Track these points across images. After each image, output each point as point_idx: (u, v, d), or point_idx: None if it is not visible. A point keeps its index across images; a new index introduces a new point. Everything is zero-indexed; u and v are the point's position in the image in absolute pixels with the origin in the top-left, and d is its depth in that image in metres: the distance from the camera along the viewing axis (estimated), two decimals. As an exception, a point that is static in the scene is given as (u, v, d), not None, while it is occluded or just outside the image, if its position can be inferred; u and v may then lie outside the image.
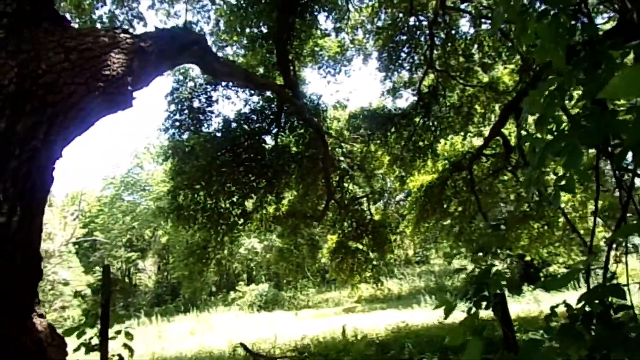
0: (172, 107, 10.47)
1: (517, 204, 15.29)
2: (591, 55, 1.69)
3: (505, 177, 13.86)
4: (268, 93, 10.80)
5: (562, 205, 12.94)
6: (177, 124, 10.57)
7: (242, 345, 10.49)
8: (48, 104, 1.63)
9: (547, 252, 16.01)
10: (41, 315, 1.65)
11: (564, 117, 1.95)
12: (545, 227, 14.20)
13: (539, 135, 1.96)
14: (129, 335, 2.87)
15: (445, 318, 1.71)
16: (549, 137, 1.97)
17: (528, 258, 17.26)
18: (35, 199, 1.68)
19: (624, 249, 1.76)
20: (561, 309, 1.54)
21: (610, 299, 1.43)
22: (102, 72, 1.88)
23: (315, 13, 9.45)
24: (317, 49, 11.58)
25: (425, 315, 15.74)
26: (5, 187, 1.42)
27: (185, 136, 10.89)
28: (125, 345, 2.88)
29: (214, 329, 19.45)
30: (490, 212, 15.11)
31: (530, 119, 2.24)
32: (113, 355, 2.81)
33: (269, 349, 11.66)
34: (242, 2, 8.58)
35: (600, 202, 13.86)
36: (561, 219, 12.71)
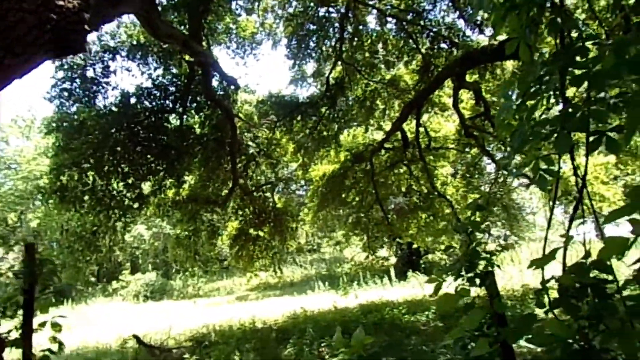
0: (61, 73, 9.20)
1: (408, 196, 16.43)
2: (566, 50, 1.80)
3: (401, 170, 14.75)
4: (174, 69, 10.07)
5: (448, 196, 14.22)
6: (66, 93, 9.33)
7: (135, 336, 9.73)
8: (-12, 34, 1.25)
9: (431, 241, 17.52)
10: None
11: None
12: (432, 218, 15.44)
13: (512, 122, 2.04)
14: (56, 326, 2.43)
15: (435, 294, 1.71)
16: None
17: (415, 246, 18.71)
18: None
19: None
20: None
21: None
22: (55, 1, 1.50)
23: (236, -12, 9.00)
24: (233, 26, 11.05)
25: (320, 300, 16.16)
26: None
27: (74, 108, 9.66)
28: (54, 339, 2.43)
29: (96, 322, 17.80)
30: (384, 202, 15.93)
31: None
32: (42, 351, 2.35)
33: (163, 339, 10.99)
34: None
35: (475, 196, 15.48)
36: (447, 210, 13.93)
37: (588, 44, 1.82)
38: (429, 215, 15.18)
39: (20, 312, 2.32)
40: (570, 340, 1.43)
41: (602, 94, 1.68)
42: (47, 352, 2.40)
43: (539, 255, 1.74)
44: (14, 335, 2.31)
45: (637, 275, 1.52)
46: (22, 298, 2.34)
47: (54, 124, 9.76)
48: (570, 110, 1.65)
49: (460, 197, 15.25)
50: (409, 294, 15.67)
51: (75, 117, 9.65)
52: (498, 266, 1.75)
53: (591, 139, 1.58)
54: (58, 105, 9.46)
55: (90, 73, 9.38)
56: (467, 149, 15.39)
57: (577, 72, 1.70)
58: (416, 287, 17.40)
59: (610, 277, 1.51)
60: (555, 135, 1.65)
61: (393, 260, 24.61)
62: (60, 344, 2.51)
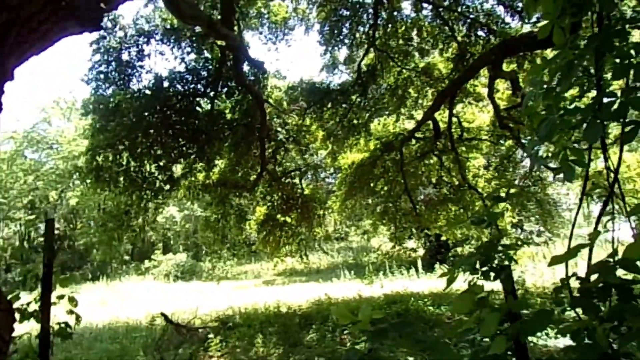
0: (97, 57, 9.45)
1: (438, 187, 16.15)
2: (606, 33, 1.67)
3: (431, 161, 14.48)
4: (206, 53, 10.16)
5: (480, 189, 13.89)
6: (102, 76, 9.59)
7: (163, 315, 10.04)
8: (2, 7, 1.26)
9: (461, 234, 17.21)
10: (-13, 273, 1.32)
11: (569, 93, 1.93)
12: (462, 210, 15.11)
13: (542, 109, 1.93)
14: (73, 300, 2.52)
15: (446, 288, 1.66)
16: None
17: (444, 238, 18.43)
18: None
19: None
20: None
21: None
22: (70, -22, 1.51)
23: (268, -28, 8.95)
24: (264, 11, 11.04)
25: (345, 288, 16.21)
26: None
27: (109, 91, 9.92)
28: (71, 312, 2.53)
29: (128, 298, 18.50)
30: (413, 193, 15.72)
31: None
32: (58, 324, 2.45)
33: (190, 319, 11.30)
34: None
35: (512, 190, 15.04)
36: (478, 203, 13.60)
37: (629, 27, 1.69)
38: (459, 207, 14.86)
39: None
40: (591, 342, 1.35)
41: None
42: (63, 325, 2.49)
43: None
44: (33, 307, 2.40)
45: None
46: (39, 271, 2.43)
47: (90, 106, 10.06)
48: (605, 98, 1.53)
49: (493, 190, 14.85)
50: (435, 286, 15.49)
51: (111, 99, 9.90)
52: (515, 261, 1.67)
53: (627, 129, 1.46)
54: (94, 87, 9.75)
55: (125, 56, 9.60)
56: (501, 141, 14.93)
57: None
58: (443, 279, 17.15)
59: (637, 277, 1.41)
60: (586, 124, 1.54)
61: (421, 251, 24.34)
62: (77, 317, 2.60)
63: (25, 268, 2.46)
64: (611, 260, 1.44)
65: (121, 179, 10.47)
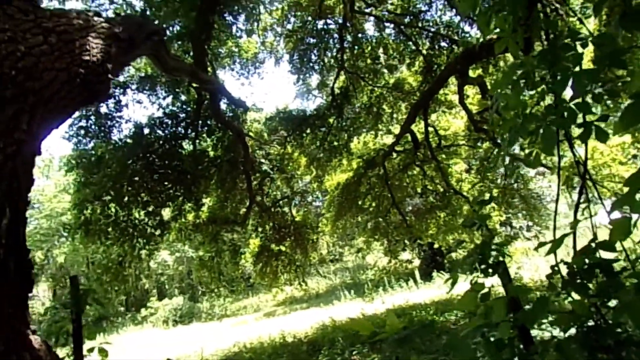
0: (76, 113, 9.53)
1: (424, 196, 16.41)
2: (552, 48, 1.90)
3: (414, 171, 14.78)
4: (183, 96, 10.36)
5: (465, 192, 14.20)
6: (82, 131, 9.66)
7: (169, 361, 9.88)
8: (29, 91, 1.41)
9: (452, 239, 17.44)
10: (34, 332, 1.42)
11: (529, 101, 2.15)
12: (451, 216, 15.36)
13: (507, 118, 2.14)
14: (103, 352, 2.58)
15: (451, 290, 1.81)
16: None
17: (437, 245, 18.62)
18: (22, 199, 1.44)
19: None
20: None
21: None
22: (81, 57, 1.66)
23: (235, 13, 9.25)
24: (235, 49, 11.33)
25: (347, 309, 16.17)
26: (-8, 185, 1.21)
27: (91, 144, 10.00)
28: None
29: (129, 350, 18.07)
30: (401, 205, 15.93)
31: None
32: None
33: (196, 362, 11.17)
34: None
35: (496, 190, 15.40)
36: (465, 207, 13.88)
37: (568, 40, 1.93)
38: (448, 213, 15.10)
39: (70, 339, 2.49)
40: (584, 317, 1.52)
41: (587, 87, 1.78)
42: (97, 377, 2.56)
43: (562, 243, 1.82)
44: None
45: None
46: (70, 327, 2.50)
47: (73, 161, 10.09)
48: (556, 105, 1.75)
49: (477, 193, 15.17)
50: (435, 294, 15.59)
51: (93, 152, 9.97)
52: (510, 256, 1.84)
53: (580, 130, 1.67)
54: (76, 142, 9.80)
55: (103, 109, 9.71)
56: (478, 144, 15.35)
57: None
58: (442, 287, 17.26)
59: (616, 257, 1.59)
60: (542, 130, 1.75)
61: (417, 262, 24.48)
62: (110, 367, 2.67)
63: (58, 325, 2.53)
64: (592, 244, 1.62)
65: (110, 229, 10.43)
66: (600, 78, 1.65)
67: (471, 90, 13.53)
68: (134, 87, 10.05)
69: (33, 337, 1.40)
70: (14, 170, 1.36)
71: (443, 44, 11.83)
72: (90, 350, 2.58)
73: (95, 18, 1.91)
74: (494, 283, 1.83)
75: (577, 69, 1.76)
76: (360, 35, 13.07)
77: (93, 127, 9.74)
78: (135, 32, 2.21)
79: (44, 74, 1.49)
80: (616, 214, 1.59)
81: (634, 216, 1.57)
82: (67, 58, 1.61)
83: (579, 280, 1.56)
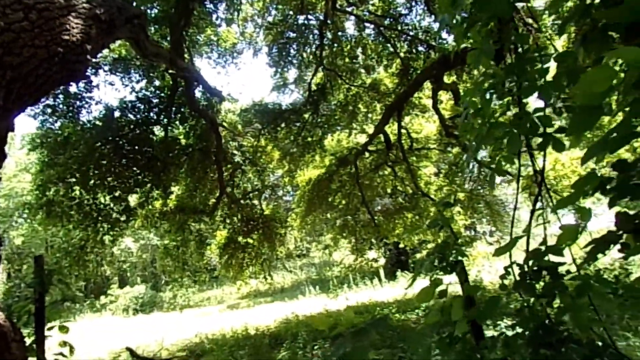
0: (45, 90, 9.21)
1: (393, 197, 16.68)
2: (519, 61, 2.02)
3: (386, 172, 15.01)
4: (157, 81, 10.16)
5: (432, 195, 14.52)
6: (50, 110, 9.35)
7: (128, 349, 9.74)
8: (6, 66, 1.39)
9: (418, 240, 17.80)
10: (0, 308, 1.41)
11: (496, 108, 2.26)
12: (417, 217, 15.68)
13: (475, 125, 2.25)
14: (64, 328, 2.55)
15: (409, 286, 1.90)
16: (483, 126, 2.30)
17: (402, 245, 18.98)
18: (-8, 175, 1.43)
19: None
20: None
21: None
22: (61, 36, 1.65)
23: (215, 1, 9.14)
24: (214, 38, 11.19)
25: (311, 304, 16.29)
26: (-37, 160, 1.20)
27: (58, 124, 9.68)
28: (65, 343, 2.55)
29: (86, 337, 17.62)
30: (370, 204, 16.14)
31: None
32: (55, 355, 2.46)
33: (156, 351, 11.01)
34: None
35: (462, 194, 15.80)
36: (432, 209, 14.20)
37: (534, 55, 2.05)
38: (415, 215, 15.42)
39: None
40: (531, 316, 1.63)
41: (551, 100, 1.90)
42: (59, 357, 2.52)
43: (523, 247, 1.95)
44: (27, 342, 2.41)
45: (588, 257, 1.73)
46: (32, 307, 2.46)
47: (37, 140, 9.77)
48: (521, 116, 1.86)
49: (444, 196, 15.54)
50: (398, 293, 15.90)
51: (60, 132, 9.68)
52: (467, 256, 1.95)
53: (540, 140, 1.79)
54: (42, 121, 9.48)
55: (73, 88, 9.41)
56: (448, 148, 15.72)
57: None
58: (405, 286, 17.59)
59: (562, 260, 1.72)
60: (508, 137, 1.87)
61: (382, 261, 24.85)
62: (71, 347, 2.63)
63: (19, 305, 2.48)
64: (542, 248, 1.75)
65: (74, 212, 10.17)
66: (563, 90, 1.77)
67: (444, 96, 13.85)
68: (106, 68, 9.80)
69: (-2, 314, 1.40)
70: (-13, 146, 1.35)
71: (420, 48, 12.06)
72: (51, 328, 2.55)
73: (76, -2, 1.90)
74: (452, 281, 1.94)
75: (543, 81, 1.89)
76: (340, 33, 13.13)
77: (61, 106, 9.44)
78: (115, 14, 2.19)
79: (23, 50, 1.48)
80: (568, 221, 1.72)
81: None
82: (47, 36, 1.59)
83: (528, 281, 1.68)
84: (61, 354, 2.57)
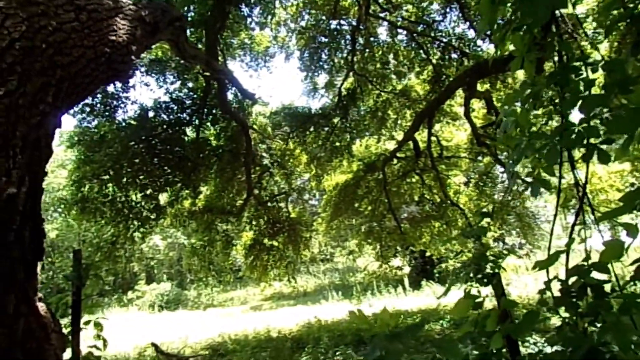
0: (85, 89, 9.53)
1: (421, 205, 16.47)
2: (563, 70, 1.95)
3: (413, 179, 14.84)
4: (190, 83, 10.39)
5: (461, 205, 14.27)
6: (88, 109, 9.67)
7: (153, 345, 9.93)
8: (57, 66, 1.44)
9: (445, 249, 17.50)
10: (41, 299, 1.46)
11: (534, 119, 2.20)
12: (445, 226, 15.43)
13: (514, 135, 2.19)
14: (99, 325, 2.62)
15: (442, 296, 1.86)
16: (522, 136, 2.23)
17: (428, 254, 18.69)
18: (41, 169, 1.48)
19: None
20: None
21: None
22: (108, 37, 1.70)
23: (250, 6, 9.28)
24: (247, 41, 11.37)
25: (334, 309, 16.23)
26: (15, 152, 1.25)
27: (95, 122, 10.01)
28: (98, 336, 2.63)
29: (113, 331, 18.07)
30: (397, 211, 15.99)
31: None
32: (89, 347, 2.55)
33: (180, 348, 11.19)
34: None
35: (492, 205, 15.45)
36: (460, 219, 13.96)
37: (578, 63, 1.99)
38: (442, 224, 15.18)
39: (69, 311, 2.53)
40: (571, 334, 1.57)
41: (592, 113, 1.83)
42: (93, 349, 2.59)
43: (555, 262, 1.88)
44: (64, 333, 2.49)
45: (634, 276, 1.65)
46: (70, 299, 2.53)
47: (75, 138, 10.11)
48: (565, 127, 1.80)
49: (474, 206, 15.25)
50: (423, 303, 15.68)
51: (96, 130, 9.99)
52: (504, 268, 1.89)
53: (584, 150, 1.72)
54: (80, 119, 9.81)
55: (110, 88, 9.70)
56: (479, 158, 15.43)
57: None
58: (430, 296, 17.35)
59: (608, 278, 1.65)
60: (547, 148, 1.80)
61: (407, 269, 24.56)
62: (105, 341, 2.70)
63: (58, 296, 2.56)
64: (585, 264, 1.67)
65: (107, 209, 10.46)
66: (610, 103, 1.70)
67: (477, 104, 13.61)
68: (143, 69, 10.06)
69: (39, 305, 1.45)
70: (37, 141, 1.40)
71: (454, 55, 11.90)
72: (87, 323, 2.62)
73: (124, 0, 1.95)
74: (486, 294, 1.88)
75: (587, 93, 1.82)
76: (372, 38, 13.11)
77: (98, 105, 9.75)
78: (159, 17, 2.24)
79: (72, 50, 1.53)
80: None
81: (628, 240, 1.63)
82: (95, 36, 1.64)
83: (570, 299, 1.61)
84: (95, 346, 2.63)
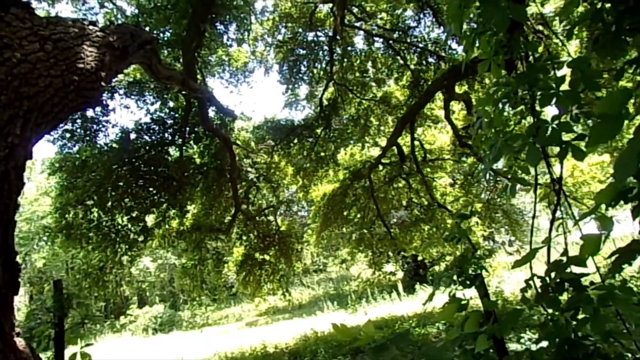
0: (62, 115, 9.44)
1: (409, 209, 16.54)
2: (531, 69, 2.00)
3: (400, 184, 14.92)
4: (171, 103, 10.35)
5: (449, 206, 14.36)
6: (68, 134, 9.56)
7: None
8: (23, 97, 1.44)
9: (436, 252, 17.55)
10: (18, 334, 1.43)
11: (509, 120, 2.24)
12: (434, 229, 15.48)
13: (489, 135, 2.23)
14: (85, 356, 2.56)
15: (427, 302, 1.87)
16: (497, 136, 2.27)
17: (420, 258, 18.73)
18: (11, 202, 1.45)
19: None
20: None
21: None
22: (76, 65, 1.70)
23: (226, 23, 9.31)
24: (225, 58, 11.39)
25: (330, 320, 16.06)
26: (-17, 188, 1.23)
27: (76, 148, 9.89)
28: None
29: (107, 358, 17.70)
30: (386, 217, 16.03)
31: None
32: None
33: (176, 371, 11.01)
34: (151, 5, 8.13)
35: (479, 205, 15.60)
36: (449, 221, 14.02)
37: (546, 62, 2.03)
38: (432, 226, 15.23)
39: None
40: (555, 330, 1.58)
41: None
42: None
43: (543, 258, 1.90)
44: None
45: (612, 268, 1.67)
46: (52, 331, 2.48)
47: (57, 164, 9.98)
48: (539, 125, 1.83)
49: (461, 207, 15.36)
50: (418, 307, 15.65)
51: (78, 156, 9.87)
52: (486, 269, 1.91)
53: (558, 149, 1.76)
54: (61, 145, 9.69)
55: (90, 113, 9.61)
56: (463, 159, 15.57)
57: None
58: (424, 299, 17.31)
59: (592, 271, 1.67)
60: (527, 148, 1.83)
61: (400, 274, 24.55)
62: (91, 372, 2.65)
63: (39, 329, 2.50)
64: (564, 259, 1.70)
65: (92, 234, 10.29)
66: (580, 99, 1.74)
67: (457, 106, 13.78)
68: (121, 91, 10.01)
69: (17, 340, 1.42)
70: (5, 174, 1.38)
71: (430, 59, 12.06)
72: (73, 356, 2.56)
73: (90, 27, 1.95)
74: (472, 295, 1.90)
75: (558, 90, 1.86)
76: (349, 48, 13.25)
77: (79, 130, 9.65)
78: (128, 41, 2.24)
79: (39, 80, 1.52)
80: (588, 230, 1.67)
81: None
82: (62, 65, 1.64)
83: (550, 294, 1.63)
84: (81, 378, 2.58)
